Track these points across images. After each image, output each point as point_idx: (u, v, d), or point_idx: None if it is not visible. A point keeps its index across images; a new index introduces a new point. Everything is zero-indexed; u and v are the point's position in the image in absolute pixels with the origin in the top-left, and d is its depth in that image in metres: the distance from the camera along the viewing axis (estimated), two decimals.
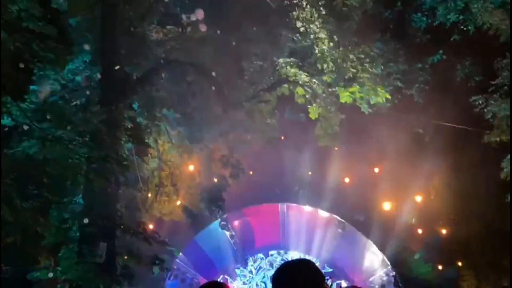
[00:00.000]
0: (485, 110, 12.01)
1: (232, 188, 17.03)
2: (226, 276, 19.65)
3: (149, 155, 13.74)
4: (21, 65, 9.20)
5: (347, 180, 17.02)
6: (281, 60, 15.62)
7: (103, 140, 11.32)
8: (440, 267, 16.43)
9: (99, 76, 12.19)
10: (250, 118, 15.98)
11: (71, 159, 10.73)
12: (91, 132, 11.15)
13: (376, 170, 16.15)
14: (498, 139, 12.31)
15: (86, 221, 11.56)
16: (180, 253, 16.84)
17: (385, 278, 18.20)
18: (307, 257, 20.51)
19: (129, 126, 12.41)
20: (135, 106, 13.27)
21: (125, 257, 12.87)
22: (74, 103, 12.16)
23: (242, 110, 15.91)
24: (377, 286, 18.50)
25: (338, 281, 19.62)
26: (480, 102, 12.12)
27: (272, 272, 21.28)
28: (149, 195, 14.09)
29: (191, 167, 15.47)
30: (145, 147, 13.16)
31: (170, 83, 14.57)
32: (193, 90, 15.02)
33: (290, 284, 2.30)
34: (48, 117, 10.66)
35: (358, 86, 14.67)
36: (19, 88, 10.03)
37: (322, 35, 14.28)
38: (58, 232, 11.57)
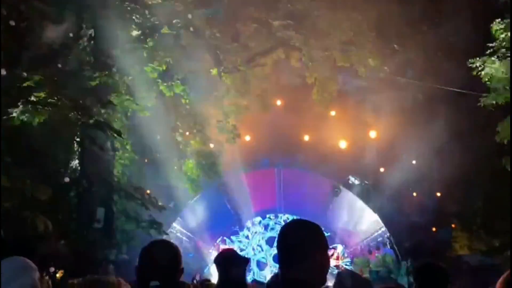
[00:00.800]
0: (482, 73, 11.92)
1: (229, 153, 17.05)
2: (224, 238, 19.88)
3: None
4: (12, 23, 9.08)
5: (343, 144, 17.04)
6: (276, 22, 15.43)
7: (97, 105, 11.25)
8: (434, 229, 16.65)
9: (92, 41, 12.03)
10: (245, 83, 15.88)
11: (65, 125, 10.68)
12: (84, 98, 11.06)
13: (372, 134, 16.16)
14: (494, 102, 12.27)
15: (83, 186, 11.60)
16: (178, 217, 16.99)
17: (379, 240, 18.47)
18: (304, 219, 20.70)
19: (123, 91, 12.33)
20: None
21: (123, 222, 12.98)
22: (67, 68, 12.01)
23: (238, 75, 15.80)
24: (372, 248, 18.76)
25: (334, 245, 19.90)
26: (478, 64, 12.02)
27: (267, 235, 21.71)
28: (146, 160, 14.10)
29: (187, 133, 15.43)
30: (140, 112, 13.09)
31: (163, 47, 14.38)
32: (188, 54, 14.85)
33: (297, 242, 2.34)
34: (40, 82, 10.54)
35: (355, 49, 14.60)
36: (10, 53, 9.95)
37: None
38: (55, 198, 11.60)
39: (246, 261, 4.16)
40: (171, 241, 3.29)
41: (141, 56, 13.09)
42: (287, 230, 2.44)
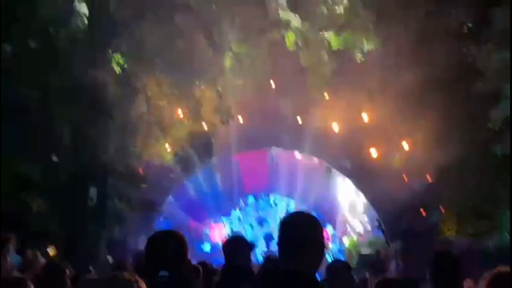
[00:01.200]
0: (477, 59, 11.95)
1: (222, 133, 17.07)
2: (217, 217, 20.00)
3: (137, 100, 13.65)
4: None
5: (336, 126, 17.09)
6: (273, 3, 15.34)
7: (90, 85, 11.22)
8: (423, 213, 16.79)
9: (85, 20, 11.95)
10: (240, 63, 15.83)
11: (56, 105, 10.68)
12: (77, 78, 11.03)
13: (365, 117, 16.21)
14: (488, 88, 12.33)
15: (76, 166, 11.60)
16: (170, 196, 17.06)
17: (369, 222, 18.65)
18: (294, 200, 21.06)
19: (117, 71, 12.29)
20: (122, 50, 13.06)
21: (116, 201, 13.02)
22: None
23: (232, 55, 15.74)
24: (361, 230, 18.95)
25: (324, 226, 20.08)
26: (473, 51, 12.04)
27: (259, 215, 21.91)
28: (138, 139, 14.07)
29: (179, 112, 15.39)
30: (133, 93, 13.07)
31: (157, 26, 14.27)
32: (181, 31, 14.75)
33: (298, 234, 2.47)
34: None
35: (351, 31, 14.57)
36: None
37: None
38: (47, 177, 11.62)
39: (251, 246, 4.23)
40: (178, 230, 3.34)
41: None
42: (288, 222, 2.57)
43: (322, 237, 2.52)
